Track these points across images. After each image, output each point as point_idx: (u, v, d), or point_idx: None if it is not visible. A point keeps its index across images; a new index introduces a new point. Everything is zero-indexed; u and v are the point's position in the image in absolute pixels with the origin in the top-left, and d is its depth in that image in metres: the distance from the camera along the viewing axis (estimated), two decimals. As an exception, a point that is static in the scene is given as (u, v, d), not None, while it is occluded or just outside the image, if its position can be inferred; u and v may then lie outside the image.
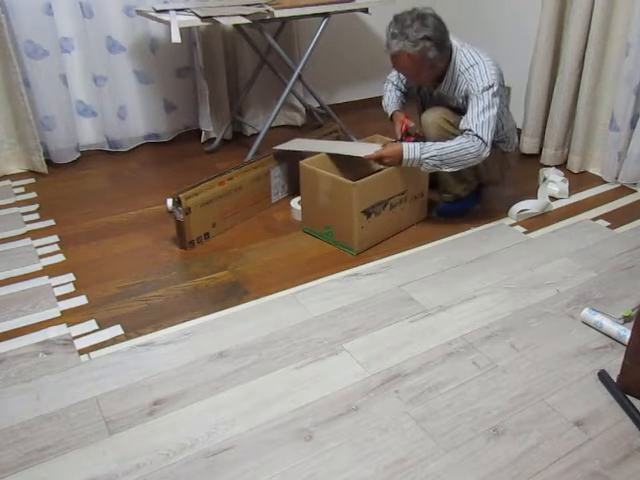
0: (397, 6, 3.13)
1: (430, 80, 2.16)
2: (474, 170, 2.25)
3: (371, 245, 2.19)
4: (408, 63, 2.03)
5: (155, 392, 1.55)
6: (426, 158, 2.07)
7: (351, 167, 2.32)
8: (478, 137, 2.03)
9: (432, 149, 2.06)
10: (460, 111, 2.18)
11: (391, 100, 2.42)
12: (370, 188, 2.08)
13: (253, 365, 1.64)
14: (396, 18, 2.02)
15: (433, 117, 2.15)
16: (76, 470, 1.33)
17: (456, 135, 2.12)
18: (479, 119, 2.04)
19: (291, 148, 2.43)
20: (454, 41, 2.12)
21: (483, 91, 2.05)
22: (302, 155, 2.37)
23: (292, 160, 2.52)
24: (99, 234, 2.30)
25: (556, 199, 2.54)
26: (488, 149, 2.06)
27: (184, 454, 1.37)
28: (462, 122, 2.09)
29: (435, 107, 2.21)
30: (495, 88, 2.06)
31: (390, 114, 2.41)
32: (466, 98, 2.12)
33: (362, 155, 2.15)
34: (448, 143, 2.06)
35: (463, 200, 2.39)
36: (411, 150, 2.08)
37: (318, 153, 2.27)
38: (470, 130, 2.04)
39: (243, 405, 1.50)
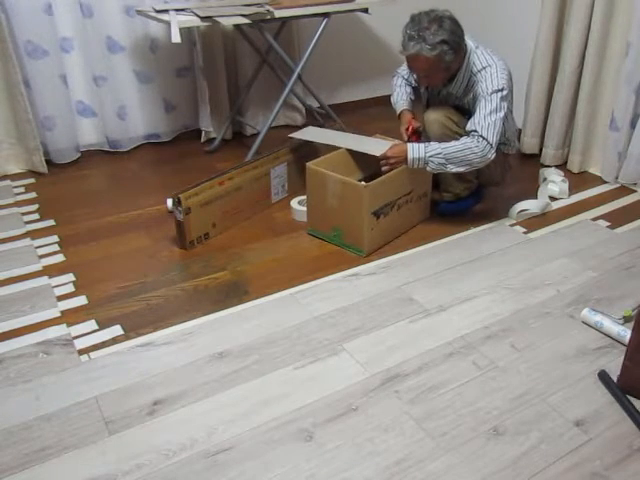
0: (397, 6, 3.14)
1: (443, 82, 2.16)
2: (475, 170, 2.25)
3: (379, 246, 2.19)
4: (424, 65, 2.03)
5: (155, 392, 1.54)
6: (431, 157, 2.07)
7: (360, 164, 2.32)
8: (483, 138, 2.03)
9: (437, 148, 2.06)
10: (465, 111, 2.18)
11: (400, 97, 2.40)
12: (380, 189, 2.08)
13: (253, 365, 1.63)
14: (413, 19, 2.01)
15: (436, 115, 2.15)
16: (76, 470, 1.33)
17: (458, 133, 2.13)
18: (486, 121, 2.04)
19: (307, 138, 2.44)
20: (469, 42, 2.12)
21: (492, 93, 2.05)
22: (314, 149, 2.36)
23: (294, 159, 2.52)
24: (99, 234, 2.30)
25: (556, 199, 2.53)
26: (493, 151, 2.06)
27: (184, 454, 1.37)
28: (469, 123, 2.08)
29: (439, 105, 2.21)
30: (504, 92, 2.06)
31: (398, 113, 2.40)
32: (474, 99, 2.12)
33: (377, 154, 2.16)
34: (453, 143, 2.06)
35: (463, 200, 2.39)
36: (416, 150, 2.08)
37: (331, 145, 2.27)
38: (476, 131, 2.04)
39: (243, 405, 1.50)
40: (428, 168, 2.11)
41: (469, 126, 2.08)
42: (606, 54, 2.57)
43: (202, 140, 3.13)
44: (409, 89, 2.41)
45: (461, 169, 2.09)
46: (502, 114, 2.06)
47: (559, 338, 1.73)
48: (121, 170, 2.87)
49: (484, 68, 2.08)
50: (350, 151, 2.29)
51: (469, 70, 2.12)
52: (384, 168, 2.14)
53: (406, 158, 2.09)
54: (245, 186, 2.35)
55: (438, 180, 2.35)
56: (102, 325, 1.79)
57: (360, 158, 2.30)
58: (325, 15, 2.74)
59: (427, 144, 2.09)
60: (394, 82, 2.46)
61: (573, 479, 1.30)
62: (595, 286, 1.96)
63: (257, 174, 2.39)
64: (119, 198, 2.59)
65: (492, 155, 2.06)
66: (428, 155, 2.07)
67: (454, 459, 1.35)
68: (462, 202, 2.39)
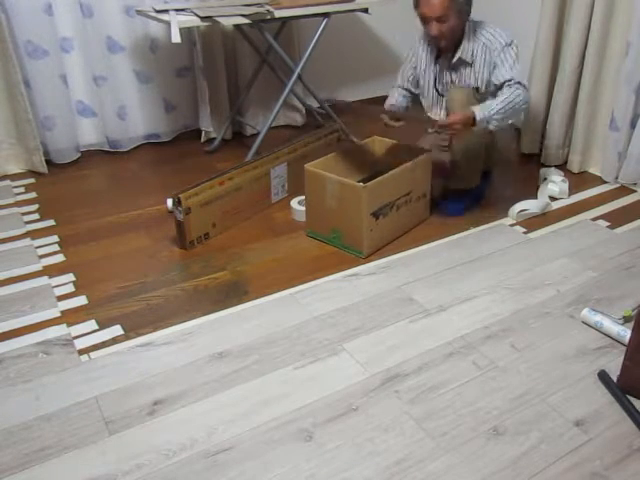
0: (397, 6, 3.13)
1: (453, 36, 2.20)
2: (486, 153, 2.32)
3: (379, 247, 2.18)
4: (439, 5, 2.08)
5: (155, 392, 1.55)
6: (494, 114, 2.11)
7: (358, 166, 2.32)
8: (521, 84, 2.14)
9: (495, 105, 2.11)
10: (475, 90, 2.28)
11: (392, 96, 2.51)
12: (379, 189, 2.08)
13: (253, 365, 1.63)
14: None
15: (460, 94, 2.23)
16: (76, 470, 1.33)
17: None
18: (513, 70, 2.17)
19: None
20: None
21: (506, 46, 2.18)
22: (315, 149, 2.37)
23: (293, 159, 2.52)
24: (99, 234, 2.30)
25: (556, 199, 2.53)
26: (529, 96, 2.15)
27: (184, 454, 1.37)
28: (498, 77, 2.18)
29: (460, 86, 2.29)
30: (514, 45, 2.18)
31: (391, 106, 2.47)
32: (484, 61, 2.20)
33: (436, 119, 2.20)
34: (502, 97, 2.13)
35: (468, 196, 2.39)
36: (481, 111, 2.11)
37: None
38: (511, 79, 2.14)
39: (243, 405, 1.50)
40: (491, 126, 2.14)
41: (500, 79, 2.17)
42: (606, 54, 2.57)
43: (202, 140, 3.13)
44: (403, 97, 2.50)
45: (513, 119, 2.19)
46: (519, 65, 2.18)
47: (559, 338, 1.73)
48: (121, 170, 2.87)
49: (484, 29, 2.22)
50: (348, 152, 2.29)
51: (471, 31, 2.22)
52: (446, 136, 2.22)
53: (474, 121, 2.10)
54: (245, 186, 2.35)
55: (452, 172, 2.33)
56: (102, 325, 1.79)
57: (358, 159, 2.30)
58: (325, 15, 2.74)
59: (482, 105, 2.12)
60: (390, 92, 2.51)
61: (573, 479, 1.30)
62: (595, 286, 1.96)
63: (257, 174, 2.39)
64: (119, 198, 2.59)
65: (530, 99, 2.15)
66: (492, 113, 2.10)
67: (454, 459, 1.35)
68: (468, 197, 2.40)
